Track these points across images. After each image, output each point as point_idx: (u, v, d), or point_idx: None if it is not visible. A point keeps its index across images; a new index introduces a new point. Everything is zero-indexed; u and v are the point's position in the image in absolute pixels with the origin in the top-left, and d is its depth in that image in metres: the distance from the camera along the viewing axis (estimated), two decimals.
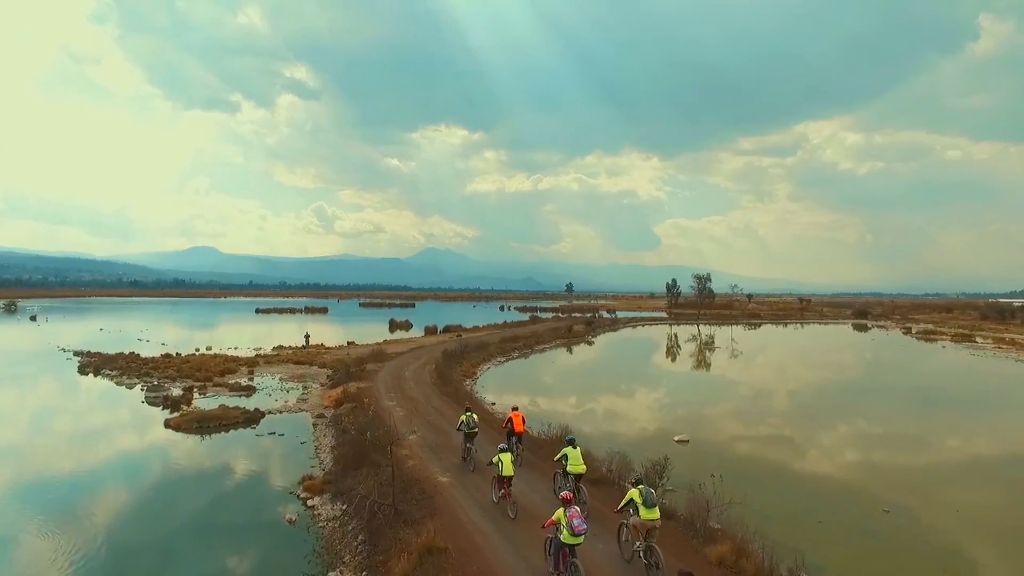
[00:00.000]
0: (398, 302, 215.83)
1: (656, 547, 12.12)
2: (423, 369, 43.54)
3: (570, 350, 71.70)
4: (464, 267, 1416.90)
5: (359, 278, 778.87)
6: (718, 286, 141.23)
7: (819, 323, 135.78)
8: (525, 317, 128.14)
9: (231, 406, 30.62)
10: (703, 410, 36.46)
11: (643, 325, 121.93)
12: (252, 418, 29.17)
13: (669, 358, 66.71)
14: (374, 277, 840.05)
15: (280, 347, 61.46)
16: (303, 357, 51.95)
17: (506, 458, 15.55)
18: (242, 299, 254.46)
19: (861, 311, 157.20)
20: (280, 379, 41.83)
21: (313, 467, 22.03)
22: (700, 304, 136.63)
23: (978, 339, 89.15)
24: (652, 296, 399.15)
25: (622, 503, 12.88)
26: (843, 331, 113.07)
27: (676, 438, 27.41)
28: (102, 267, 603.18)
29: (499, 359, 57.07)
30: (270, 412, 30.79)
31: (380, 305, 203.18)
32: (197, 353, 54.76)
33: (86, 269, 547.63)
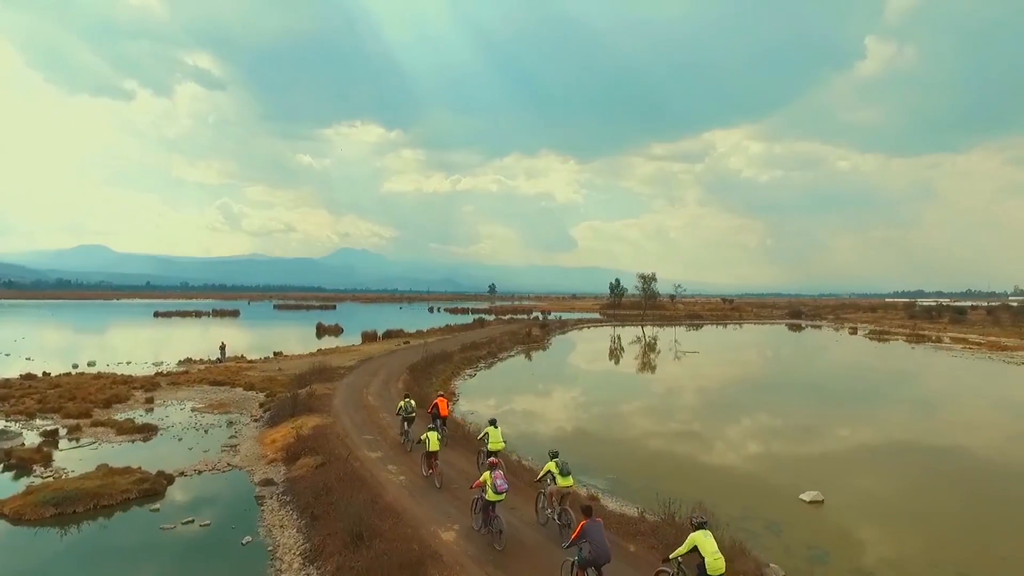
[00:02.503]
0: (316, 304, 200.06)
1: (568, 509, 13.46)
2: (388, 391, 33.43)
3: (529, 356, 62.74)
4: (381, 268, 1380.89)
5: (270, 279, 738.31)
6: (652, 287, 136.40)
7: (756, 323, 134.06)
8: (457, 319, 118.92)
9: (119, 467, 19.51)
10: (791, 444, 28.18)
11: (588, 327, 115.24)
12: (153, 489, 18.26)
13: (654, 362, 58.98)
14: (286, 278, 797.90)
15: (188, 361, 49.05)
16: (220, 375, 40.33)
17: (432, 436, 17.18)
18: (138, 301, 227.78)
19: (795, 311, 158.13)
20: (193, 410, 30.44)
21: None
22: (645, 305, 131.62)
23: (943, 340, 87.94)
24: (575, 297, 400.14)
25: (541, 474, 14.22)
26: (791, 333, 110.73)
27: (806, 497, 19.08)
28: None
29: (468, 371, 47.47)
30: (182, 474, 19.99)
31: (297, 307, 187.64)
32: (74, 372, 41.75)
33: None
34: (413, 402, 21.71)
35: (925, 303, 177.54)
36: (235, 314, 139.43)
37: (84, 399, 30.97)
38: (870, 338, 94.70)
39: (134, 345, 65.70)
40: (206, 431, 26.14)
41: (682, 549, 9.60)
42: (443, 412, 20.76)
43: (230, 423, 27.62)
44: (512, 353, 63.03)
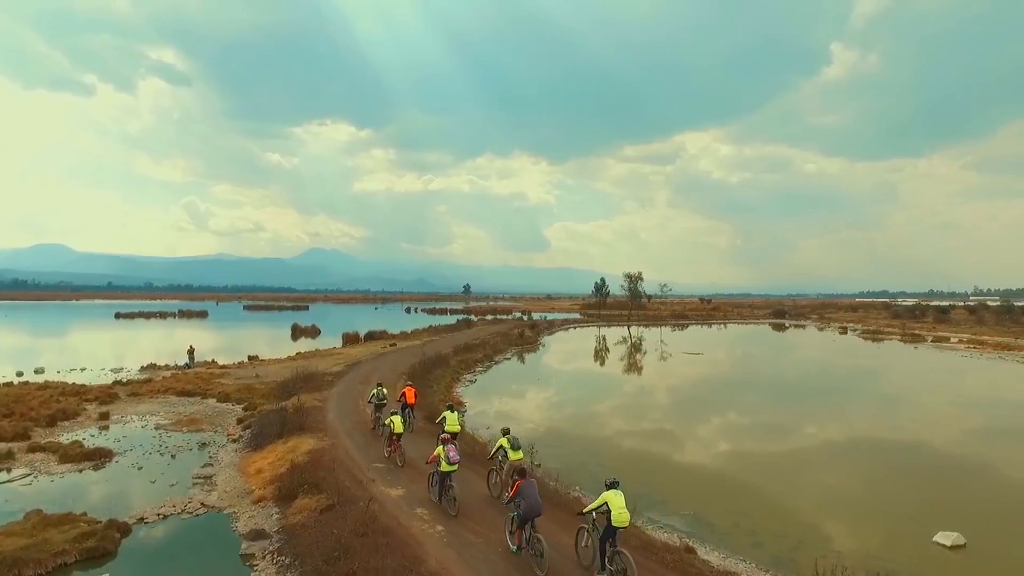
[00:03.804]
0: (287, 305, 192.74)
1: None
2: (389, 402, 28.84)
3: (522, 359, 58.50)
4: (352, 268, 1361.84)
5: (237, 279, 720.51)
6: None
7: (740, 323, 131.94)
8: (437, 320, 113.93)
9: (55, 514, 14.80)
10: (882, 463, 23.70)
11: (575, 327, 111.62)
12: (101, 547, 13.50)
13: (661, 364, 55.05)
14: (254, 278, 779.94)
15: (152, 367, 43.67)
16: (189, 383, 35.18)
17: (396, 419, 18.28)
18: (99, 302, 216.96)
19: (778, 311, 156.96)
20: (156, 428, 25.51)
21: None
22: (632, 305, 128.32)
23: (936, 339, 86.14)
24: (550, 297, 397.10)
25: (493, 450, 15.56)
26: (780, 333, 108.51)
27: (944, 540, 15.19)
28: None
29: (468, 376, 43.13)
30: (142, 520, 15.32)
31: (267, 308, 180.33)
32: (17, 382, 36.14)
33: None
34: (385, 390, 23.43)
35: (906, 303, 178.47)
36: (203, 315, 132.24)
37: (23, 415, 25.77)
38: (864, 337, 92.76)
39: (92, 349, 59.74)
40: (173, 456, 21.31)
41: (595, 504, 10.86)
42: (410, 401, 22.14)
43: (203, 444, 22.81)
44: (508, 356, 58.79)
